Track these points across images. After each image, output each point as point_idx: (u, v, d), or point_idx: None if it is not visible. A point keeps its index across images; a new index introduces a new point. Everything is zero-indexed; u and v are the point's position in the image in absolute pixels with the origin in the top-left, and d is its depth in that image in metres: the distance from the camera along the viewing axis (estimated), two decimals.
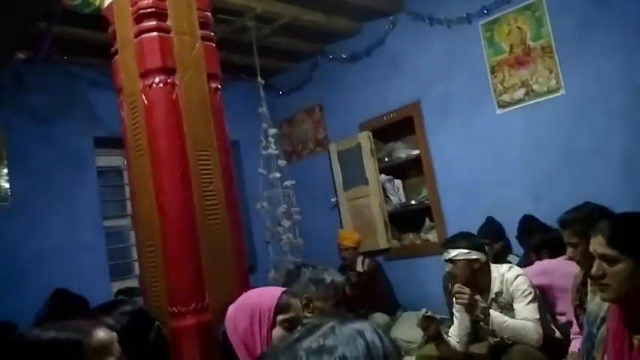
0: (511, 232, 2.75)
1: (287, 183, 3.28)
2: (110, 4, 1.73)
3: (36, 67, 2.95)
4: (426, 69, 3.29)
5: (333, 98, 3.83)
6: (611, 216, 1.43)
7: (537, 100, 2.86)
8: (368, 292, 3.16)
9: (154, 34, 1.60)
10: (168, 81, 1.60)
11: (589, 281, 1.48)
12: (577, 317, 1.84)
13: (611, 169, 2.59)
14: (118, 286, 3.09)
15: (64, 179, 3.08)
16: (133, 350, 1.10)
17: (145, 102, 1.60)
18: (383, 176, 3.59)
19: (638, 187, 2.47)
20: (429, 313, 1.96)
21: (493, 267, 2.06)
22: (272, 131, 3.27)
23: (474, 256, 1.98)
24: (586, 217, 1.61)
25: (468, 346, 2.09)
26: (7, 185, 2.87)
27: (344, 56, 3.70)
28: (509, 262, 2.37)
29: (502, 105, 3.01)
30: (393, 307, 3.23)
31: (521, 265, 2.37)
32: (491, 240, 2.62)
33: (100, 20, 1.81)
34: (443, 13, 3.16)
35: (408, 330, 2.78)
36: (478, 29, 3.06)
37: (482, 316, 1.89)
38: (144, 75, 1.61)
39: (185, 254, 1.54)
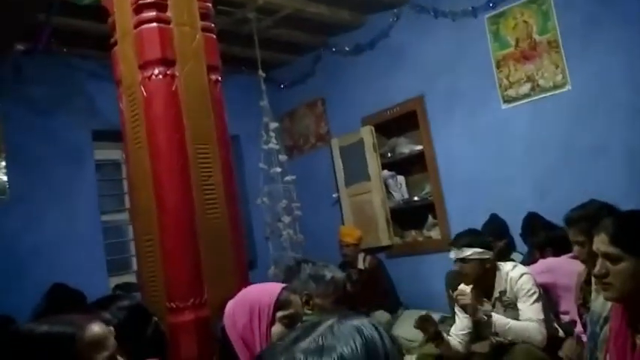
0: (515, 229, 2.72)
1: (288, 178, 3.26)
2: None
3: (35, 59, 2.92)
4: (431, 63, 3.25)
5: (336, 92, 3.79)
6: (615, 214, 1.40)
7: (543, 96, 2.83)
8: (369, 290, 3.14)
9: (154, 24, 1.58)
10: (168, 72, 1.58)
11: (593, 280, 1.46)
12: (580, 316, 1.82)
13: (616, 166, 2.56)
14: (115, 281, 3.07)
15: (63, 173, 3.06)
16: (130, 345, 1.09)
17: (145, 94, 1.58)
18: (385, 172, 3.56)
19: None
20: (426, 315, 1.93)
21: (497, 265, 2.03)
22: (273, 125, 3.24)
23: (486, 256, 1.96)
24: (592, 215, 1.58)
25: (470, 345, 2.07)
26: (4, 178, 2.85)
27: (347, 49, 3.65)
28: (513, 260, 2.34)
29: (507, 100, 2.97)
30: (394, 305, 3.21)
31: (524, 263, 2.35)
32: (494, 237, 2.59)
33: (100, 11, 1.79)
34: (448, 5, 3.12)
35: (409, 328, 2.74)
36: (484, 22, 3.02)
37: (485, 318, 1.87)
38: (143, 66, 1.59)
39: (183, 248, 1.53)
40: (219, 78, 1.73)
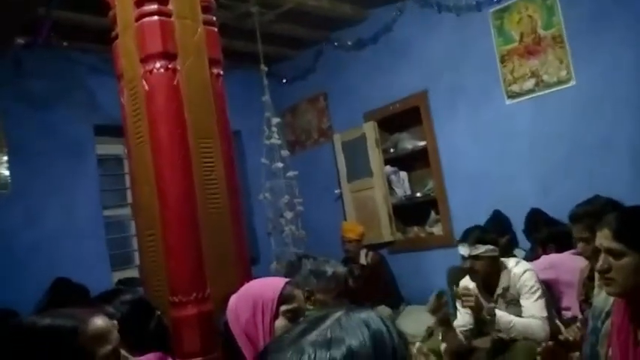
0: (518, 225, 2.71)
1: (290, 174, 3.25)
2: None
3: (35, 53, 2.91)
4: (434, 58, 3.23)
5: (338, 87, 3.77)
6: (618, 209, 1.40)
7: (547, 91, 2.81)
8: (371, 286, 3.14)
9: (155, 17, 1.56)
10: (169, 66, 1.56)
11: (596, 276, 1.46)
12: (582, 312, 1.82)
13: (620, 163, 2.55)
14: (118, 276, 3.08)
15: (64, 167, 3.05)
16: (133, 339, 1.09)
17: (146, 88, 1.56)
18: (388, 167, 3.55)
19: None
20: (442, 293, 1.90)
21: (501, 261, 2.03)
22: (275, 121, 3.22)
23: (496, 253, 1.96)
24: (597, 212, 1.57)
25: (471, 340, 2.06)
26: (6, 173, 2.85)
27: (349, 44, 3.63)
28: (515, 257, 2.34)
29: (511, 95, 2.95)
30: (396, 301, 3.21)
31: (527, 259, 2.35)
32: (497, 234, 2.58)
33: (100, 4, 1.77)
34: (452, 0, 3.09)
35: (411, 324, 2.76)
36: (488, 17, 2.99)
37: (488, 317, 1.86)
38: (144, 60, 1.57)
39: (186, 243, 1.52)
40: (221, 72, 1.72)
